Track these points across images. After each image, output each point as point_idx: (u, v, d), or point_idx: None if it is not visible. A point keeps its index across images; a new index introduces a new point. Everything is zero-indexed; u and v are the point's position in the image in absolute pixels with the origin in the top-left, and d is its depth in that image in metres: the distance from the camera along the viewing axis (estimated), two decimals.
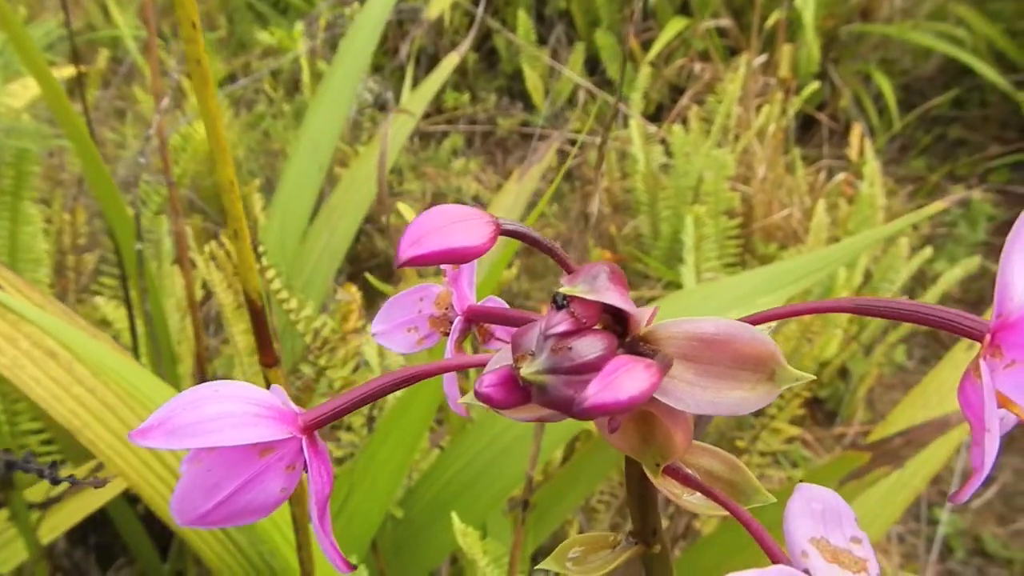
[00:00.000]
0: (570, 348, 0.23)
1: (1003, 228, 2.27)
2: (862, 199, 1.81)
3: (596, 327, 0.24)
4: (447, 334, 0.36)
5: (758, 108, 1.98)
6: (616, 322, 0.25)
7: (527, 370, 0.23)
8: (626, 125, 2.16)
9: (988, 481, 1.82)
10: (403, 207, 0.91)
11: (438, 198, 1.94)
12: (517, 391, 0.24)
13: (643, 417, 0.26)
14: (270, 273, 1.07)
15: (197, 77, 0.55)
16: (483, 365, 0.29)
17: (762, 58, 2.07)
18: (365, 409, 1.11)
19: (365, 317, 1.29)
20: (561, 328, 0.23)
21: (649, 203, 1.84)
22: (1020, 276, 0.22)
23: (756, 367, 0.24)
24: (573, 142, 2.13)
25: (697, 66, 2.22)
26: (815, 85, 2.10)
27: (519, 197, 1.54)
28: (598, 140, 2.07)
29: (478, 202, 2.00)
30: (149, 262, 1.24)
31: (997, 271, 0.22)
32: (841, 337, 1.67)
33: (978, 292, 2.15)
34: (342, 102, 1.32)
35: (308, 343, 0.99)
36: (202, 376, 1.23)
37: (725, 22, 2.31)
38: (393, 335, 0.37)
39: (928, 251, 1.74)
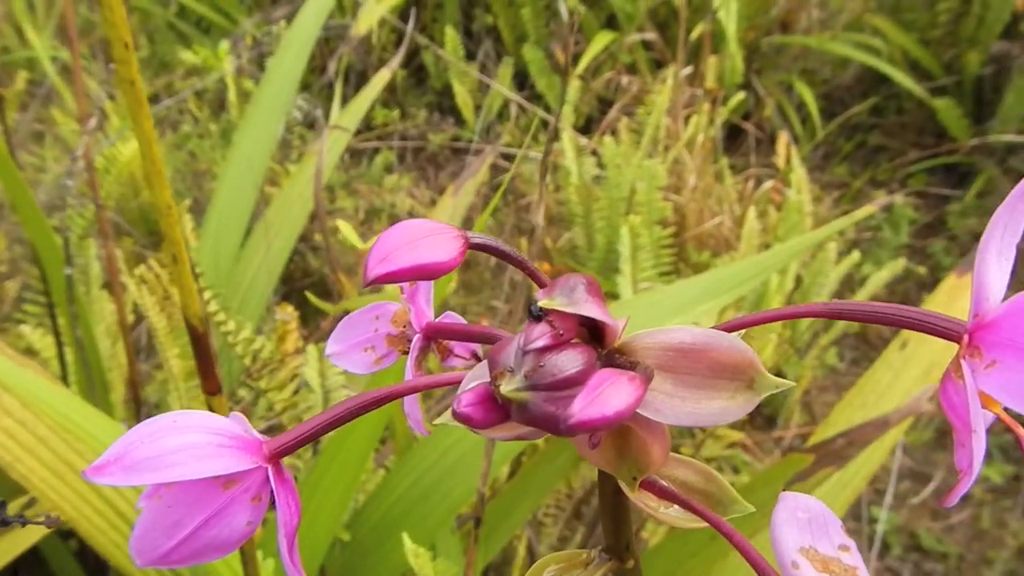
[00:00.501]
0: (550, 363, 0.23)
1: (923, 231, 2.34)
2: (790, 206, 1.85)
3: (574, 340, 0.24)
4: (406, 352, 0.35)
5: (686, 119, 2.01)
6: (592, 335, 0.24)
7: (507, 387, 0.23)
8: (558, 138, 2.17)
9: (924, 479, 1.87)
10: (344, 225, 0.89)
11: (371, 215, 1.93)
12: (496, 409, 0.24)
13: (620, 431, 0.26)
14: (207, 295, 1.05)
15: (131, 98, 0.53)
16: (453, 384, 0.28)
17: (687, 70, 2.11)
18: None
19: (303, 337, 1.27)
20: (541, 343, 0.23)
21: (583, 215, 1.85)
22: (994, 275, 0.22)
23: (734, 375, 0.24)
24: (506, 156, 2.14)
25: (624, 79, 2.25)
26: (740, 96, 2.14)
27: (455, 212, 1.53)
28: (530, 154, 2.08)
29: (413, 218, 1.99)
30: (77, 287, 1.20)
31: (972, 273, 0.23)
32: (776, 341, 1.69)
33: (903, 293, 2.21)
34: (273, 120, 1.30)
35: (247, 365, 0.97)
36: (136, 403, 1.20)
37: (651, 35, 2.34)
38: (349, 355, 0.37)
39: (856, 255, 1.78)
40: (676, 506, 0.28)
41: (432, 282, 0.34)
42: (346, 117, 1.42)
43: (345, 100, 2.04)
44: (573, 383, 0.22)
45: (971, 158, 2.38)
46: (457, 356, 0.36)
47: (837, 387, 2.02)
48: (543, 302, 0.23)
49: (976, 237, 2.17)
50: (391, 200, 1.87)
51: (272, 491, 0.27)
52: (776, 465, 0.95)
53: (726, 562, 1.06)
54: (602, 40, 2.33)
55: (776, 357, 1.71)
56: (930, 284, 2.22)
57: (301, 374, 1.15)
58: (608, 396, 0.21)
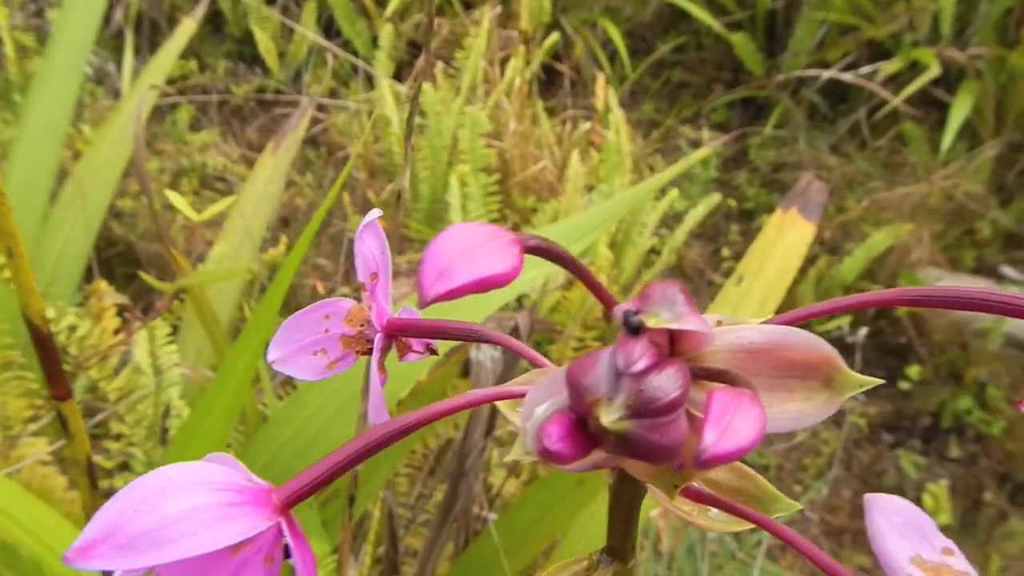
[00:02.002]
0: (651, 386, 0.20)
1: (729, 164, 2.45)
2: (609, 147, 1.88)
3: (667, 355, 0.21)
4: (364, 353, 0.32)
5: (503, 62, 2.00)
6: (670, 343, 0.22)
7: (608, 419, 0.20)
8: (372, 86, 2.11)
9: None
10: (175, 196, 0.82)
11: (180, 176, 1.80)
12: (585, 440, 0.21)
13: None
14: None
15: None
16: (514, 397, 0.26)
17: (498, 10, 2.08)
18: (149, 417, 1.01)
19: (126, 312, 1.18)
20: (643, 364, 0.20)
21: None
22: None
23: (805, 373, 0.22)
24: (319, 107, 2.05)
25: (435, 21, 2.20)
26: (555, 36, 2.15)
27: (276, 170, 1.46)
28: (341, 103, 2.01)
29: (225, 179, 1.88)
30: None
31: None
32: (605, 282, 1.73)
33: (713, 226, 2.31)
34: (70, 79, 1.18)
35: (75, 355, 0.88)
36: None
37: None
38: (295, 360, 0.32)
39: (675, 193, 1.83)
40: (715, 510, 0.26)
41: (390, 269, 0.31)
42: (151, 73, 1.31)
43: (138, 52, 1.89)
44: (677, 406, 0.20)
45: (767, 91, 2.50)
46: (414, 351, 0.33)
47: None
48: (649, 318, 0.20)
49: (776, 168, 2.27)
50: (200, 160, 1.76)
51: (285, 546, 0.23)
52: None
53: (592, 506, 1.08)
54: None
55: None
56: (738, 215, 2.33)
57: (129, 355, 1.07)
58: (739, 425, 0.19)
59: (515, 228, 1.86)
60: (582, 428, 0.21)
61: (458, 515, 1.12)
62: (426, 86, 1.83)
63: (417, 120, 1.82)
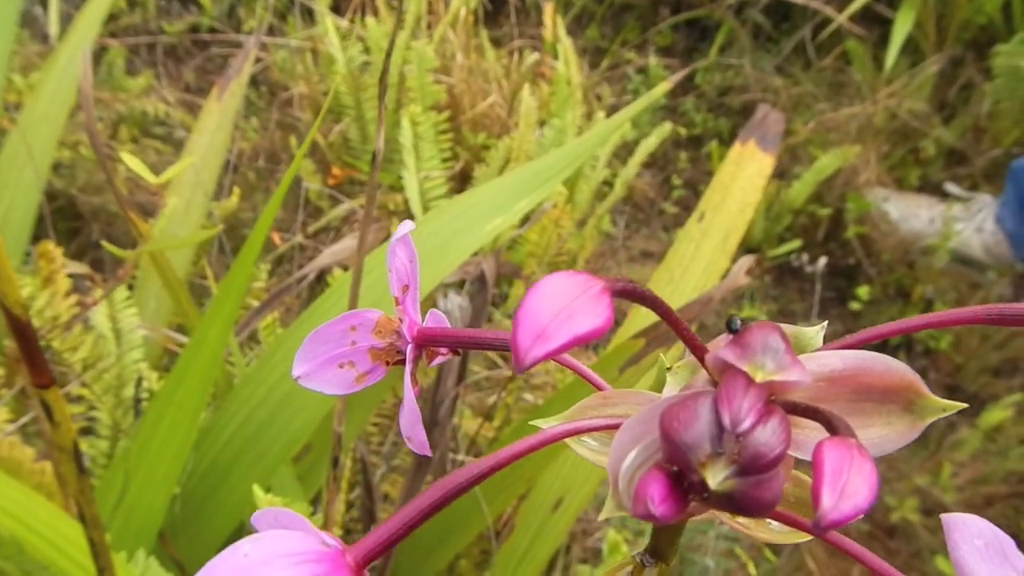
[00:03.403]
0: (754, 442, 0.19)
1: (675, 90, 2.43)
2: (559, 78, 1.85)
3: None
4: (395, 363, 0.31)
5: None
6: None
7: (716, 480, 0.19)
8: (312, 20, 2.04)
9: (698, 326, 2.00)
10: (129, 157, 0.79)
11: (119, 124, 1.74)
12: (682, 496, 0.20)
13: None
14: None
15: None
16: (545, 444, 0.25)
17: None
18: (116, 385, 0.99)
19: (84, 267, 1.15)
20: (751, 421, 0.19)
21: (354, 105, 1.76)
22: None
23: (884, 398, 0.22)
24: (261, 45, 1.98)
25: None
26: None
27: (223, 118, 1.41)
28: (281, 41, 1.95)
29: (166, 123, 1.82)
30: None
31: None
32: (560, 215, 1.72)
33: (663, 155, 2.30)
34: (5, 29, 1.12)
35: (35, 326, 0.86)
36: None
37: None
38: (323, 374, 0.31)
39: (627, 126, 1.82)
40: (775, 522, 0.26)
41: (419, 280, 0.30)
42: (89, 17, 1.25)
43: None
44: (780, 461, 0.20)
45: (711, 12, 2.48)
46: (441, 355, 0.32)
47: (614, 251, 2.10)
48: (754, 371, 0.20)
49: (722, 92, 2.26)
50: (141, 107, 1.69)
51: None
52: (609, 352, 0.98)
53: (567, 454, 1.09)
54: None
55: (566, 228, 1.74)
56: (686, 142, 2.33)
57: (86, 319, 1.04)
58: (856, 485, 0.18)
59: (467, 167, 1.83)
60: (679, 483, 0.20)
61: (434, 463, 1.12)
62: (369, 20, 1.78)
63: (362, 57, 1.78)
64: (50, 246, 1.14)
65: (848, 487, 0.18)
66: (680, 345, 1.09)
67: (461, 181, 1.84)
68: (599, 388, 0.32)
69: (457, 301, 1.09)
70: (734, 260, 2.00)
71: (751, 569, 1.48)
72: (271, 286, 1.29)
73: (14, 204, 1.20)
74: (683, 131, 2.29)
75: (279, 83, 1.96)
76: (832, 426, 0.21)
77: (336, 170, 1.52)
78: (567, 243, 1.21)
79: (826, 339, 0.27)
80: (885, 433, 0.22)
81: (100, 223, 1.69)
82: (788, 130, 2.25)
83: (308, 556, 0.21)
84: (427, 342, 0.31)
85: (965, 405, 0.23)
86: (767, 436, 0.20)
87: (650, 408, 0.22)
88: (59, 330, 0.86)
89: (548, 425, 0.27)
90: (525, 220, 1.50)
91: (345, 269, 1.30)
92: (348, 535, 1.25)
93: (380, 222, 1.49)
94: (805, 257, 2.00)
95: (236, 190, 1.34)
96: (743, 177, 1.22)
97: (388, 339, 0.31)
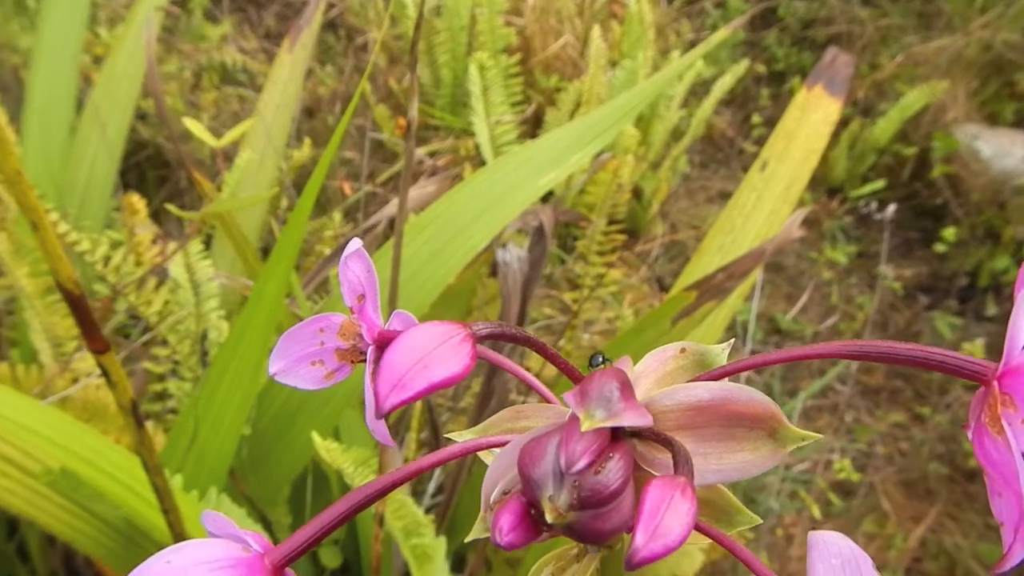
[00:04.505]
0: (592, 480, 0.21)
1: (757, 23, 2.37)
2: (631, 17, 1.83)
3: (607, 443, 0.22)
4: (359, 362, 0.33)
5: None
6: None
7: (552, 516, 0.21)
8: None
9: (775, 268, 1.98)
10: (192, 123, 0.83)
11: (201, 73, 1.79)
12: (533, 525, 0.22)
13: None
14: (50, 210, 0.97)
15: None
16: (451, 458, 0.27)
17: None
18: (193, 333, 1.05)
19: (155, 228, 1.20)
20: (584, 462, 0.21)
21: (426, 50, 1.78)
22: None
23: (753, 424, 0.24)
24: None
25: None
26: None
27: (295, 68, 1.44)
28: None
29: (247, 70, 1.87)
30: None
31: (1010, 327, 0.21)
32: (632, 162, 1.72)
33: (743, 92, 2.26)
34: None
35: (113, 283, 0.91)
36: None
37: None
38: (296, 371, 0.34)
39: (700, 65, 1.79)
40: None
41: (377, 288, 0.32)
42: None
43: None
44: (618, 495, 0.21)
45: None
46: None
47: (690, 192, 2.08)
48: (583, 418, 0.22)
49: (805, 25, 2.20)
50: (219, 58, 1.74)
51: None
52: (663, 305, 0.98)
53: None
54: None
55: (634, 176, 1.73)
56: (768, 78, 2.28)
57: (169, 273, 1.09)
58: (669, 524, 0.20)
59: (539, 110, 1.83)
60: (530, 515, 0.22)
61: (494, 408, 1.16)
62: None
63: (433, 2, 1.79)
64: (134, 199, 1.20)
65: (661, 527, 0.20)
66: (736, 296, 1.09)
67: (534, 124, 1.85)
68: (575, 380, 0.34)
69: (516, 252, 1.10)
70: (805, 204, 1.96)
71: (815, 512, 1.49)
72: (341, 235, 1.33)
73: (96, 161, 1.27)
74: (763, 68, 2.23)
75: (355, 27, 1.99)
76: (675, 461, 0.23)
77: (402, 120, 1.54)
78: (626, 194, 1.21)
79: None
80: (751, 458, 0.24)
81: (186, 170, 1.76)
82: (873, 64, 2.17)
83: (227, 563, 0.24)
84: (387, 343, 0.33)
85: (819, 436, 0.24)
86: (604, 475, 0.21)
87: (521, 438, 0.24)
88: (134, 285, 0.92)
89: (462, 439, 0.29)
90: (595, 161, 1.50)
91: (417, 213, 1.33)
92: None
93: (448, 171, 1.51)
94: (874, 204, 1.94)
95: (307, 140, 1.37)
96: (809, 124, 1.20)
97: (351, 341, 0.33)
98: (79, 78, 1.34)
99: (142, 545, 0.86)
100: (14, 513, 0.80)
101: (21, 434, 0.72)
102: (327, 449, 0.87)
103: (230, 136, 0.86)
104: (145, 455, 0.65)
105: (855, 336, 1.91)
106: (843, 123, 2.05)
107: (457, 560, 1.21)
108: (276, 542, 0.25)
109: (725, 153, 2.17)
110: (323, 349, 0.34)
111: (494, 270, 1.17)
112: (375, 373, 0.33)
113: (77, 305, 0.56)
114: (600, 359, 0.27)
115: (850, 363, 1.83)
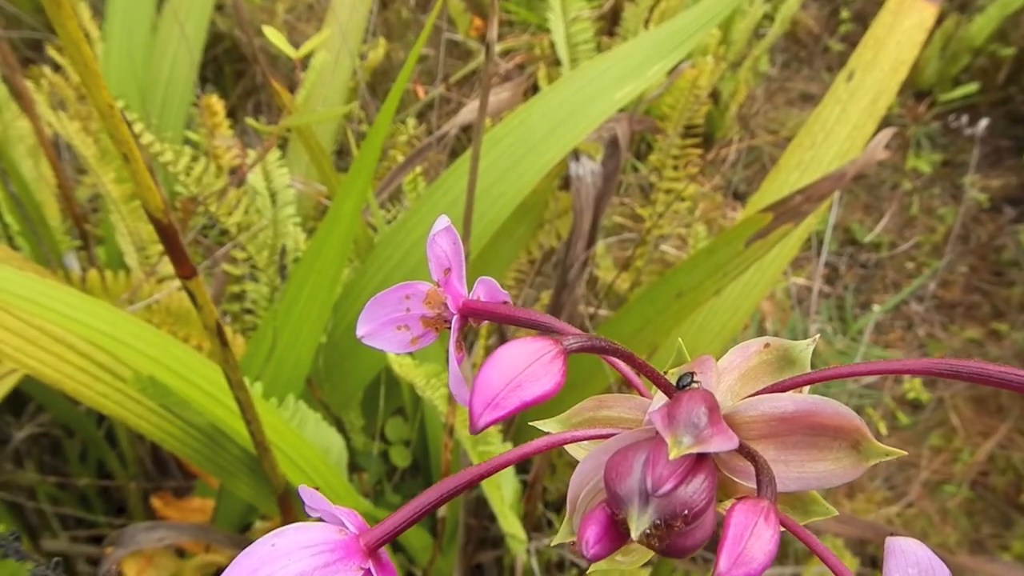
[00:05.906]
0: (678, 500, 0.22)
1: None
2: None
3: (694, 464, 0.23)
4: (444, 329, 0.34)
5: None
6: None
7: (638, 532, 0.22)
8: None
9: (854, 177, 1.93)
10: (271, 32, 0.83)
11: None
12: (617, 536, 0.23)
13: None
14: (131, 116, 0.98)
15: None
16: (537, 452, 0.28)
17: None
18: (270, 243, 1.07)
19: (233, 132, 1.22)
20: (670, 485, 0.22)
21: None
22: None
23: (836, 435, 0.24)
24: None
25: None
26: None
27: None
28: None
29: None
30: None
31: None
32: (712, 64, 1.66)
33: (826, 19, 2.15)
34: None
35: (194, 194, 0.93)
36: (80, 231, 1.16)
37: None
38: (383, 334, 0.35)
39: None
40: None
41: (463, 259, 0.33)
42: None
43: None
44: (702, 515, 0.22)
45: None
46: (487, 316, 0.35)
47: (769, 94, 2.02)
48: (672, 444, 0.22)
49: None
50: None
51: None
52: (737, 226, 0.97)
53: (691, 318, 1.11)
54: None
55: (713, 78, 1.69)
56: None
57: (248, 183, 1.11)
58: (752, 551, 0.21)
59: (617, 5, 1.78)
60: (615, 526, 0.23)
61: (565, 320, 1.17)
62: None
63: None
64: (213, 99, 1.22)
65: (744, 555, 0.21)
66: (815, 216, 1.07)
67: (611, 21, 1.80)
68: (663, 389, 0.34)
69: (589, 166, 1.09)
70: (892, 111, 1.88)
71: (881, 428, 1.49)
72: (414, 138, 1.33)
73: (178, 58, 1.27)
74: None
75: None
76: (759, 482, 0.23)
77: (477, 20, 1.51)
78: (704, 105, 1.18)
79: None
80: (833, 468, 0.24)
81: (262, 65, 1.76)
82: None
83: (326, 547, 0.26)
84: (471, 313, 0.33)
85: (904, 452, 0.24)
86: (688, 495, 0.22)
87: (606, 445, 0.24)
88: (215, 196, 0.93)
89: (549, 430, 0.30)
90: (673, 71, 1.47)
91: (492, 119, 1.32)
92: None
93: (523, 70, 1.49)
94: (965, 119, 1.86)
95: (381, 40, 1.36)
96: (900, 30, 1.15)
97: (436, 310, 0.34)
98: None
99: (226, 447, 0.90)
100: (107, 415, 0.84)
101: (112, 344, 0.76)
102: (400, 364, 0.90)
103: (307, 47, 0.86)
104: (229, 372, 0.68)
105: (933, 249, 1.86)
106: (937, 20, 1.96)
107: (521, 465, 1.24)
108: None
109: (809, 51, 2.10)
110: (408, 315, 0.34)
111: (566, 183, 1.16)
112: (480, 367, 0.33)
113: (166, 233, 0.57)
114: (689, 379, 0.27)
115: (928, 280, 1.79)
